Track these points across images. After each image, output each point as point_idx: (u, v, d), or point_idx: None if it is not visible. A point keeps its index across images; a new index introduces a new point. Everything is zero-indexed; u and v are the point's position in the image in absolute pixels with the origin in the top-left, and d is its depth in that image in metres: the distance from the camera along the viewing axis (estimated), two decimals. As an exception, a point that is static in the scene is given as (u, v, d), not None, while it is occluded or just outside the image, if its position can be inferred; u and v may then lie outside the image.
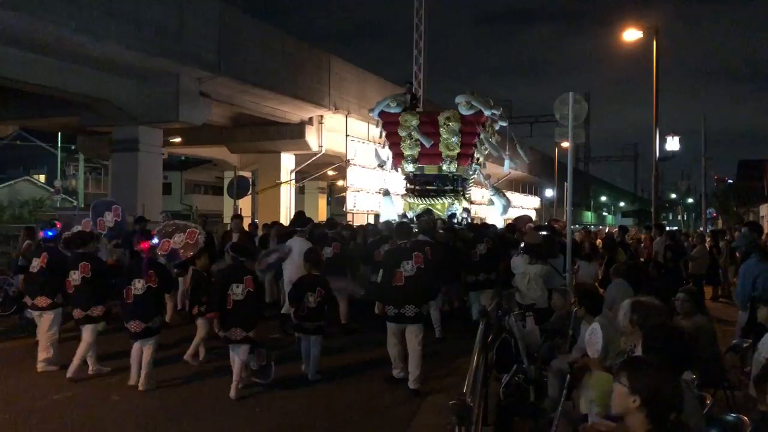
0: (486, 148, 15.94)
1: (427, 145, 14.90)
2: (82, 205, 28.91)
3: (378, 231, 11.84)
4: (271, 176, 24.22)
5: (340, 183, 30.06)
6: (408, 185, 15.93)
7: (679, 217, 33.43)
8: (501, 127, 16.74)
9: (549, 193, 48.19)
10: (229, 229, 11.12)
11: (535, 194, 43.00)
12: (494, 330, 6.15)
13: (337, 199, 37.35)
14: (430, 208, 14.85)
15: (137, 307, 6.86)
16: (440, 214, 14.69)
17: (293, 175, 24.80)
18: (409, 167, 15.65)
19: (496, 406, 5.81)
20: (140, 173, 17.60)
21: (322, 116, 22.70)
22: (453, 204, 15.26)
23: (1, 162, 36.10)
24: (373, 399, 6.71)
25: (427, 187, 15.47)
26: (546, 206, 47.65)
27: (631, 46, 20.31)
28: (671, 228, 21.35)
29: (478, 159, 16.16)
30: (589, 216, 72.67)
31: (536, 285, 7.48)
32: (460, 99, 14.94)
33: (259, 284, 7.04)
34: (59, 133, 31.44)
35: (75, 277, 7.27)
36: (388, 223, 12.38)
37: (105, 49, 13.98)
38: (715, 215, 42.40)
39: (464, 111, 14.81)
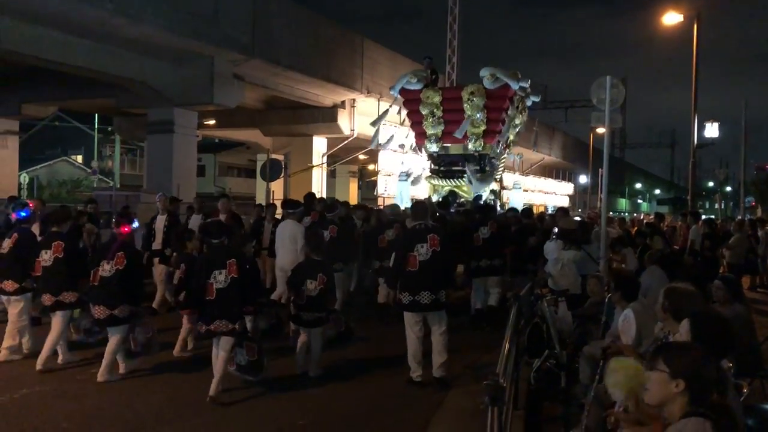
0: (517, 126, 15.18)
1: (459, 136, 14.12)
2: (118, 186, 29.42)
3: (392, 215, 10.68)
4: (303, 159, 24.33)
5: (371, 167, 30.06)
6: (432, 166, 15.19)
7: (716, 206, 32.72)
8: (534, 102, 15.89)
9: (583, 179, 47.56)
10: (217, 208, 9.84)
11: (569, 180, 42.46)
12: (526, 315, 6.12)
13: (368, 183, 37.39)
14: (455, 190, 14.29)
15: (102, 291, 6.20)
16: (466, 196, 14.15)
17: (325, 159, 24.88)
18: (433, 147, 14.86)
19: (526, 390, 5.80)
20: (175, 155, 17.86)
21: (354, 100, 22.69)
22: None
23: (40, 142, 36.83)
24: (385, 397, 6.07)
25: (453, 168, 14.74)
26: (579, 193, 47.08)
27: (671, 30, 19.89)
28: (708, 216, 20.92)
29: (507, 139, 15.26)
30: (623, 203, 71.67)
31: (569, 271, 7.41)
32: (484, 72, 14.06)
33: (249, 269, 6.14)
34: (96, 115, 31.95)
35: (46, 257, 6.54)
36: (394, 206, 11.39)
37: (141, 32, 14.15)
38: (754, 204, 41.44)
39: (489, 85, 13.93)
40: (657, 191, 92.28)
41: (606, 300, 5.97)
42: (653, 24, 20.28)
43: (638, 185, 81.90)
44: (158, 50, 15.74)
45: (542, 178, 34.20)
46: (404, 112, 15.33)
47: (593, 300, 6.58)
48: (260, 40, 16.85)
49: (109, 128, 30.48)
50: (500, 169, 15.86)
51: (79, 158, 41.66)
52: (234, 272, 5.75)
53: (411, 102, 14.81)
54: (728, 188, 58.36)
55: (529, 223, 10.47)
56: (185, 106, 17.68)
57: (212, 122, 23.34)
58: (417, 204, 7.81)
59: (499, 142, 14.73)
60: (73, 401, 5.70)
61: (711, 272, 9.00)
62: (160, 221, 9.98)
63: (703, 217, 17.59)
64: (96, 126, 34.24)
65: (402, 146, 18.48)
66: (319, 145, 24.45)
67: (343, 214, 10.08)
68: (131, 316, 6.31)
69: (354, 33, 22.00)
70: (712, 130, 30.70)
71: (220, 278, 5.73)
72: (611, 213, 31.57)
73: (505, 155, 15.73)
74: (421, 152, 15.70)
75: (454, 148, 14.70)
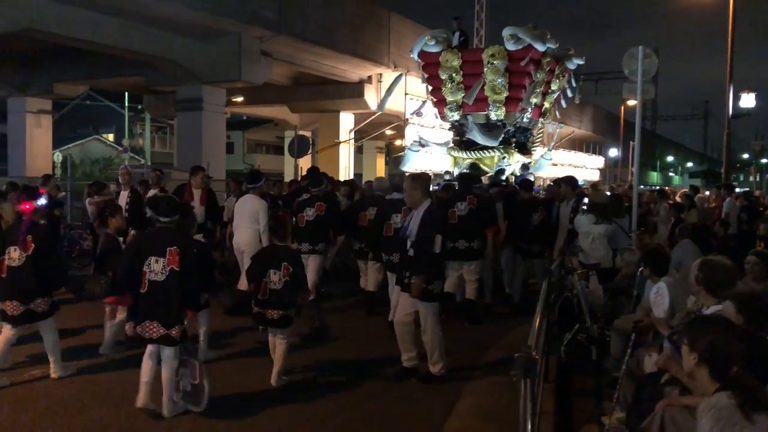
0: (555, 92, 14.00)
1: (469, 102, 13.04)
2: (149, 163, 29.79)
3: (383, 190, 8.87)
4: (330, 135, 24.35)
5: (398, 142, 29.97)
6: (454, 137, 14.09)
7: (751, 178, 32.05)
8: (577, 65, 14.38)
9: (613, 152, 46.87)
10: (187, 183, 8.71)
11: (599, 154, 41.89)
12: (557, 289, 6.12)
13: (395, 159, 37.32)
14: (476, 163, 13.31)
15: (13, 283, 5.26)
16: (488, 169, 13.21)
17: (352, 135, 24.87)
18: (454, 115, 13.66)
19: (557, 363, 5.81)
20: (204, 132, 18.02)
21: (381, 75, 22.56)
22: (504, 158, 13.40)
23: (72, 121, 37.33)
24: (387, 403, 5.21)
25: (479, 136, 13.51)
26: (610, 166, 46.45)
27: (706, -2, 19.34)
28: (743, 189, 20.51)
29: (535, 105, 13.82)
30: (654, 176, 70.54)
31: (600, 244, 7.36)
32: (506, 32, 12.77)
33: (198, 259, 5.00)
34: (126, 93, 32.30)
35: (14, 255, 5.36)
36: (380, 180, 9.61)
37: (169, 9, 14.20)
38: (790, 176, 40.50)
39: (510, 46, 12.60)
40: (689, 164, 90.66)
41: (637, 273, 5.94)
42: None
43: (670, 158, 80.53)
44: (186, 28, 15.80)
45: (572, 152, 33.77)
46: (425, 76, 14.12)
47: (625, 273, 6.54)
48: (287, 15, 16.81)
49: (139, 106, 30.79)
50: (538, 139, 14.72)
51: (110, 137, 42.18)
52: (174, 263, 4.63)
53: (430, 66, 13.65)
54: (764, 160, 57.06)
55: (531, 198, 9.15)
56: (213, 83, 17.77)
57: (240, 99, 23.44)
58: (396, 176, 7.52)
59: (524, 109, 13.44)
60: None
61: (747, 245, 8.82)
62: (123, 198, 9.22)
63: (737, 189, 17.24)
64: (126, 104, 34.62)
65: (419, 114, 17.55)
66: (346, 120, 24.42)
67: (329, 189, 9.27)
68: (52, 309, 5.45)
69: (380, 7, 21.82)
70: (747, 100, 29.93)
71: (156, 267, 4.64)
72: (641, 186, 31.11)
73: (540, 125, 14.39)
74: (443, 120, 14.58)
75: (476, 117, 13.50)
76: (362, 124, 24.69)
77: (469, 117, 13.63)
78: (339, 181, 12.53)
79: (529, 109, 13.62)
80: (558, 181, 9.56)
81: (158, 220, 4.84)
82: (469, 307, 7.84)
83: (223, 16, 15.19)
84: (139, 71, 18.64)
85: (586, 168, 33.41)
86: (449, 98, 13.53)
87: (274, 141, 42.57)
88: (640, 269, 5.82)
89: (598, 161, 38.27)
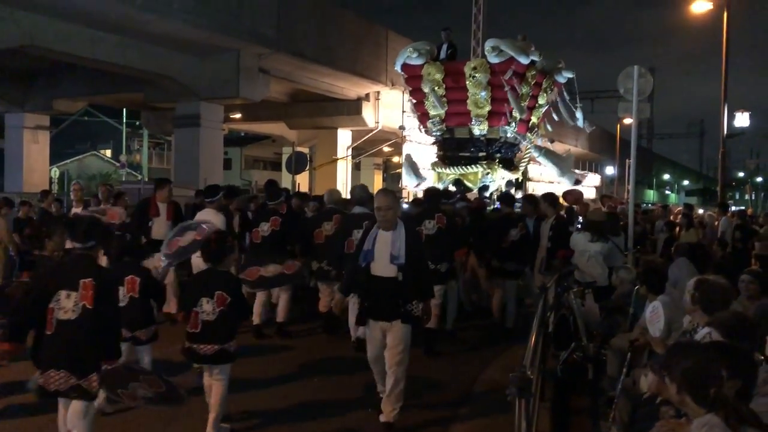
0: (542, 106, 13.56)
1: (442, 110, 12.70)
2: (147, 179, 29.77)
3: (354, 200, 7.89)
4: (328, 152, 24.41)
5: (395, 159, 30.05)
6: (438, 152, 13.75)
7: (747, 197, 32.18)
8: (567, 78, 13.89)
9: (610, 170, 47.05)
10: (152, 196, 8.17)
11: (596, 171, 42.02)
12: (552, 307, 6.11)
13: (392, 176, 37.39)
14: (460, 179, 13.01)
15: None
16: (471, 186, 12.87)
17: (349, 151, 24.94)
18: (437, 130, 13.33)
19: (553, 382, 5.80)
20: (202, 148, 18.07)
21: (378, 92, 22.69)
22: (488, 174, 13.00)
23: (70, 137, 37.46)
24: None
25: (459, 154, 13.20)
26: (606, 184, 46.58)
27: (700, 19, 19.54)
28: (739, 208, 20.60)
29: (530, 122, 13.51)
30: (651, 194, 70.72)
31: (597, 263, 7.36)
32: (488, 44, 12.46)
33: (144, 289, 4.77)
34: (124, 109, 32.41)
35: None
36: (332, 192, 8.41)
37: (169, 27, 14.30)
38: (785, 195, 40.66)
39: (493, 59, 12.21)
40: (685, 182, 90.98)
41: (634, 292, 5.94)
42: (682, 13, 19.93)
43: (666, 176, 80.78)
44: (185, 45, 15.89)
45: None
46: (408, 89, 13.75)
47: (621, 291, 6.54)
48: (285, 33, 16.93)
49: (137, 122, 30.88)
50: (526, 156, 14.42)
51: (108, 152, 42.25)
52: (87, 299, 3.79)
53: (413, 79, 13.28)
54: (759, 179, 57.31)
55: (509, 212, 8.50)
56: (212, 100, 17.85)
57: (238, 116, 23.53)
58: (357, 188, 7.08)
59: (510, 124, 13.01)
60: None
61: (741, 264, 8.84)
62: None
63: (733, 208, 17.31)
64: (124, 120, 34.74)
65: (402, 128, 17.17)
66: (344, 137, 24.52)
67: (296, 205, 8.85)
68: None
69: (378, 25, 22.00)
70: (742, 120, 30.20)
71: (66, 304, 3.79)
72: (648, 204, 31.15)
73: (527, 141, 14.04)
74: (428, 135, 14.14)
75: (460, 131, 13.09)
76: (360, 141, 24.78)
77: (436, 131, 13.36)
78: (307, 195, 11.65)
79: (514, 124, 13.19)
80: (529, 197, 9.17)
81: (74, 245, 4.03)
82: (429, 336, 6.87)
83: (222, 34, 15.29)
84: (137, 87, 18.72)
85: (583, 186, 33.48)
86: (432, 112, 13.24)
87: (271, 157, 42.66)
88: (636, 287, 5.84)
89: (595, 179, 38.37)
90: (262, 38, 16.32)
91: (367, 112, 22.90)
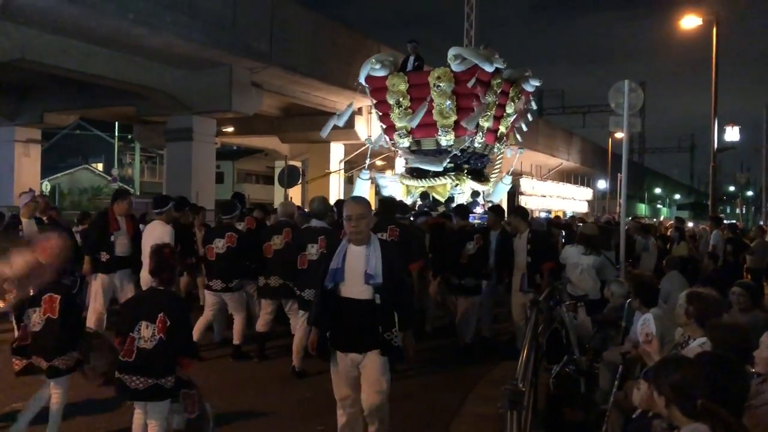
0: (510, 115, 13.36)
1: (413, 125, 12.54)
2: (138, 193, 29.70)
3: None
4: (320, 166, 24.41)
5: (388, 173, 30.07)
6: (405, 164, 13.66)
7: (738, 210, 32.36)
8: (534, 87, 13.76)
9: (602, 184, 47.25)
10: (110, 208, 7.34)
11: (588, 186, 42.20)
12: (544, 320, 6.09)
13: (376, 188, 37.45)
14: (428, 191, 12.85)
15: None
16: (440, 198, 12.70)
17: (342, 165, 24.95)
18: (404, 142, 13.13)
19: (545, 396, 5.77)
20: (194, 162, 18.02)
21: (371, 106, 22.69)
22: (456, 185, 12.86)
23: (61, 151, 37.36)
24: None
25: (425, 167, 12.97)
26: (598, 198, 46.75)
27: (690, 34, 19.72)
28: (730, 222, 20.71)
29: (497, 131, 13.31)
30: (642, 208, 70.99)
31: (589, 276, 7.36)
32: (451, 53, 12.21)
33: (66, 309, 4.32)
34: (116, 123, 32.37)
35: None
36: (285, 205, 7.85)
37: (161, 40, 14.31)
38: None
39: (456, 67, 12.04)
40: (677, 196, 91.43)
41: (626, 305, 5.94)
42: (672, 28, 20.15)
43: (658, 190, 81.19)
44: (177, 59, 15.90)
45: (560, 183, 34.01)
46: (373, 101, 13.71)
47: (613, 305, 6.54)
48: (278, 47, 16.97)
49: (129, 136, 30.85)
50: (497, 166, 14.22)
51: (100, 166, 42.16)
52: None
53: (378, 91, 13.16)
54: (749, 192, 57.68)
55: (464, 225, 8.29)
56: (204, 113, 17.84)
57: (230, 129, 23.53)
58: (315, 200, 6.61)
59: (476, 133, 12.76)
60: None
61: (733, 278, 8.87)
62: (28, 226, 7.58)
63: (725, 221, 17.38)
64: (116, 134, 34.69)
65: (368, 140, 17.05)
66: (337, 151, 24.53)
67: (261, 217, 8.49)
68: None
69: (371, 39, 22.06)
70: (732, 134, 30.48)
71: None
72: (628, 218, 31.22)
73: (498, 150, 13.82)
74: (393, 147, 13.93)
75: (427, 143, 12.94)
76: (353, 155, 24.80)
77: (403, 143, 13.17)
78: (267, 208, 10.97)
79: (481, 134, 12.97)
80: (495, 208, 9.01)
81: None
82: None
83: (214, 48, 15.31)
84: (129, 101, 18.68)
85: (575, 200, 33.62)
86: (398, 124, 13.09)
87: (264, 171, 42.64)
88: (628, 301, 5.83)
89: (587, 193, 38.53)
90: (254, 52, 16.35)
91: (360, 125, 22.92)
